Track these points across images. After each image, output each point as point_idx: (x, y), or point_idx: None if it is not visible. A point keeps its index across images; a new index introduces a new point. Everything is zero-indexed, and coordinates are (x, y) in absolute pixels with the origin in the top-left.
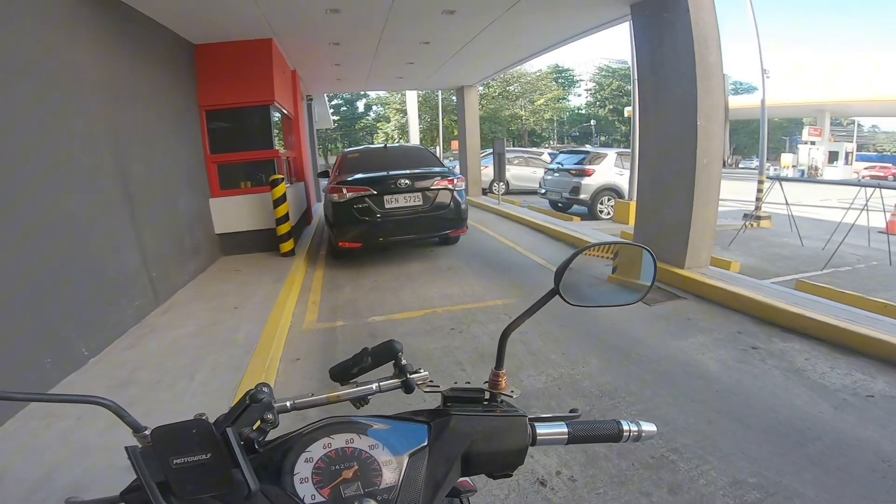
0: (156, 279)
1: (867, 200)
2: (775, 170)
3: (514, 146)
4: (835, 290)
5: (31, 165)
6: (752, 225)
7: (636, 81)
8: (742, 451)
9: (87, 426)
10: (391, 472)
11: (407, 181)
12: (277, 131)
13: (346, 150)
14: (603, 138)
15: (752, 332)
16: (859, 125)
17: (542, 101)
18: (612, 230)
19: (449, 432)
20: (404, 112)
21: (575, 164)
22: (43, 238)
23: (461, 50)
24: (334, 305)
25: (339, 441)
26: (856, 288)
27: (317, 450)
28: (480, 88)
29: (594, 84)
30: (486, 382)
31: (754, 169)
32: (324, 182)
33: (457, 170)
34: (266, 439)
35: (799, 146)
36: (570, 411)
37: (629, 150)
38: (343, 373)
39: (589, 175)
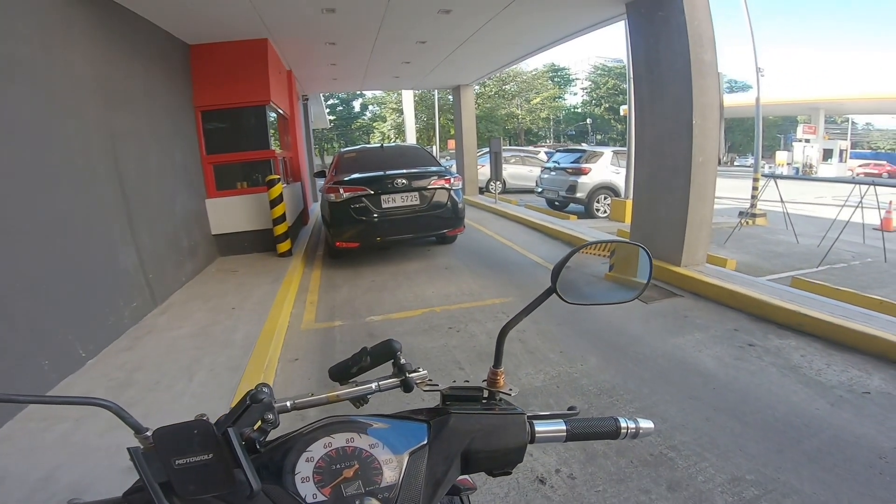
0: (153, 280)
1: (862, 198)
2: (770, 168)
3: (510, 145)
4: (830, 287)
5: (25, 167)
6: (747, 223)
7: (632, 80)
8: (740, 447)
9: (86, 428)
10: (392, 470)
11: (404, 181)
12: (273, 131)
13: (342, 149)
14: (599, 137)
15: (748, 330)
16: (853, 123)
17: (538, 99)
18: (608, 228)
19: (448, 431)
20: (400, 111)
21: (571, 162)
22: (39, 240)
23: (457, 49)
24: (332, 305)
25: (339, 440)
26: (851, 285)
27: (317, 449)
28: (477, 87)
29: (590, 83)
30: (484, 381)
31: (749, 167)
32: (320, 182)
33: (453, 169)
34: (267, 439)
35: (793, 144)
36: (569, 409)
37: (625, 149)
38: (342, 372)
39: (585, 173)
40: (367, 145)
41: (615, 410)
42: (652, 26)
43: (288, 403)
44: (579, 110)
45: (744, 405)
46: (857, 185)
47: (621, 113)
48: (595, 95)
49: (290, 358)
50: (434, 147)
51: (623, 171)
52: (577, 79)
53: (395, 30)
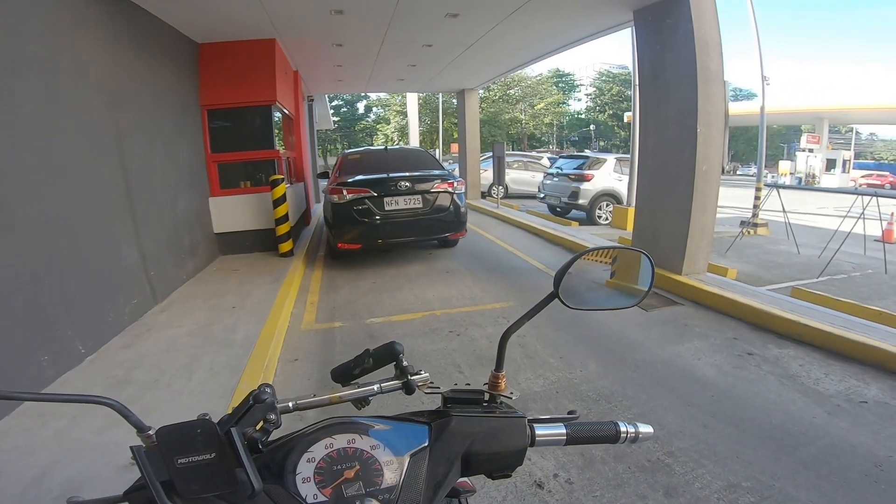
0: (154, 277)
1: (864, 209)
2: (773, 177)
3: (513, 150)
4: (830, 297)
5: (31, 162)
6: (749, 232)
7: (637, 87)
8: (737, 454)
9: (82, 425)
10: (392, 472)
11: (407, 183)
12: (278, 131)
13: (346, 151)
14: (602, 143)
15: (747, 339)
16: (857, 133)
17: (542, 105)
18: (610, 235)
19: (449, 433)
20: (404, 114)
21: (574, 168)
22: (43, 236)
23: (463, 53)
24: (333, 306)
25: (340, 441)
26: (851, 296)
27: (319, 450)
28: (481, 92)
29: (594, 89)
30: (485, 384)
31: (752, 176)
32: (323, 183)
33: (456, 173)
34: (269, 439)
35: (797, 153)
36: (568, 413)
37: (628, 156)
38: (344, 374)
39: (588, 180)
40: (371, 147)
41: (613, 416)
42: (659, 33)
43: (290, 404)
44: (583, 116)
45: (741, 413)
46: (860, 196)
47: (625, 119)
48: (599, 101)
49: (290, 358)
50: (437, 150)
51: (626, 178)
52: (581, 84)
53: (402, 32)
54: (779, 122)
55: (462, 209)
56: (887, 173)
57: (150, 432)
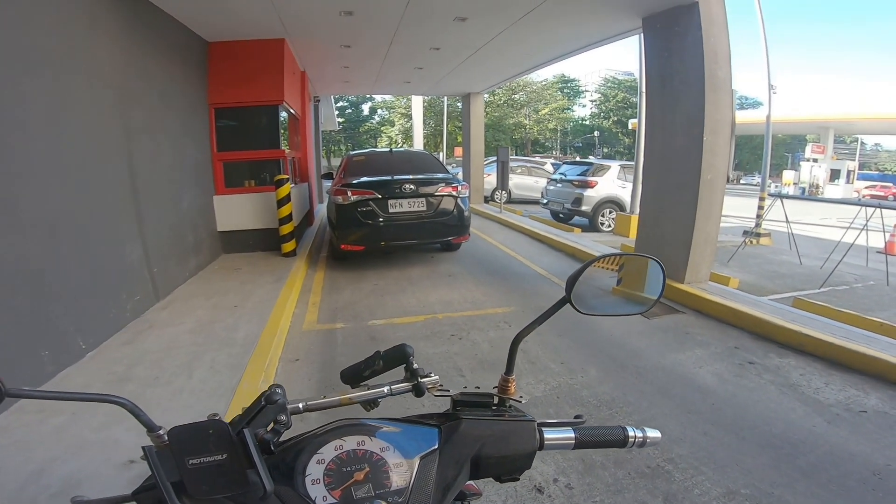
0: (156, 275)
1: (867, 220)
2: (776, 187)
3: (516, 155)
4: (832, 308)
5: (39, 158)
6: (751, 242)
7: (643, 94)
8: (736, 462)
9: (81, 422)
10: (402, 474)
11: (411, 186)
12: (284, 131)
13: (351, 152)
14: (606, 150)
15: (748, 348)
16: (862, 143)
17: (546, 110)
18: (612, 243)
19: (459, 436)
20: (409, 116)
21: (578, 175)
22: (48, 230)
23: (470, 57)
24: (334, 307)
25: (350, 443)
26: (853, 307)
27: (328, 451)
28: (486, 96)
29: (599, 95)
30: (495, 387)
31: (756, 185)
32: (327, 184)
33: (460, 176)
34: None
35: (801, 163)
36: (575, 417)
37: (632, 163)
38: (354, 375)
39: (591, 187)
40: (376, 149)
41: (614, 422)
42: (667, 41)
43: (300, 405)
44: (587, 122)
45: (741, 421)
46: (863, 208)
47: (630, 126)
48: (604, 108)
49: (291, 358)
50: (441, 153)
51: (629, 185)
52: (586, 91)
53: (411, 35)
54: (784, 131)
55: (466, 213)
56: (891, 184)
57: (161, 432)
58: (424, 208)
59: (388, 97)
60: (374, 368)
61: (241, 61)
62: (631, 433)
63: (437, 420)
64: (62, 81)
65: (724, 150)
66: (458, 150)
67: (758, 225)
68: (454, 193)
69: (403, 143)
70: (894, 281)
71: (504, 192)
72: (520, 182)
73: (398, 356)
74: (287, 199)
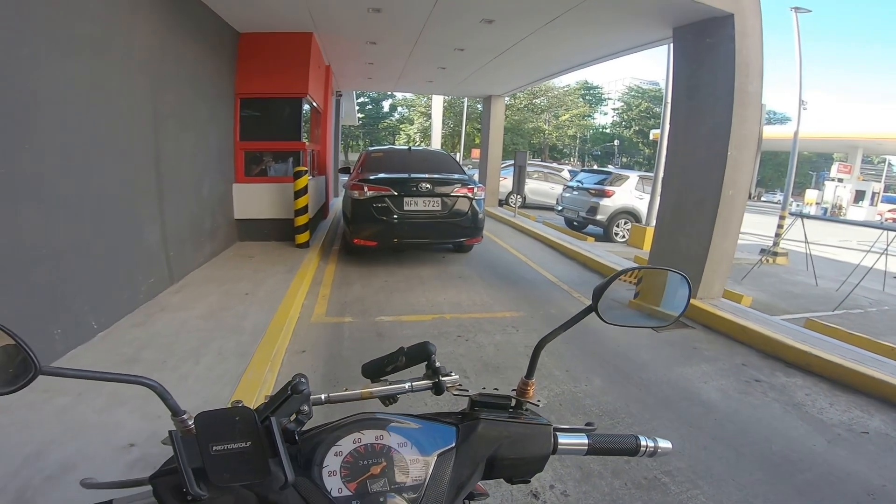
0: (172, 258)
1: (888, 245)
2: (798, 206)
3: (533, 160)
4: (843, 330)
5: (73, 138)
6: (768, 260)
7: (668, 104)
8: (733, 477)
9: (85, 403)
10: (418, 470)
11: (428, 185)
12: (305, 124)
13: (370, 148)
14: (625, 159)
15: (756, 366)
16: (890, 164)
17: (567, 116)
18: (625, 254)
19: (477, 436)
20: (428, 116)
21: (595, 183)
22: (72, 209)
23: (494, 59)
24: (344, 301)
25: (368, 437)
26: (865, 331)
27: (347, 444)
28: (507, 99)
29: (622, 104)
30: (513, 390)
31: (777, 203)
32: (344, 178)
33: (476, 178)
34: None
35: (826, 183)
36: (586, 424)
37: (651, 174)
38: (376, 370)
39: (608, 196)
40: (395, 146)
41: (616, 432)
42: (698, 52)
43: (322, 396)
44: (608, 130)
45: (742, 437)
46: (885, 231)
47: (651, 137)
48: (626, 117)
49: (298, 349)
50: (458, 154)
51: (647, 196)
52: (609, 98)
53: (436, 34)
54: (811, 148)
55: (480, 215)
56: None
57: (185, 416)
58: (439, 208)
59: (408, 95)
60: (397, 364)
61: (269, 53)
62: (643, 442)
63: (455, 419)
64: (101, 66)
65: (748, 166)
66: (476, 152)
67: (776, 244)
68: (469, 195)
69: (421, 141)
70: None
71: (519, 196)
72: (535, 187)
73: (421, 353)
74: (304, 190)
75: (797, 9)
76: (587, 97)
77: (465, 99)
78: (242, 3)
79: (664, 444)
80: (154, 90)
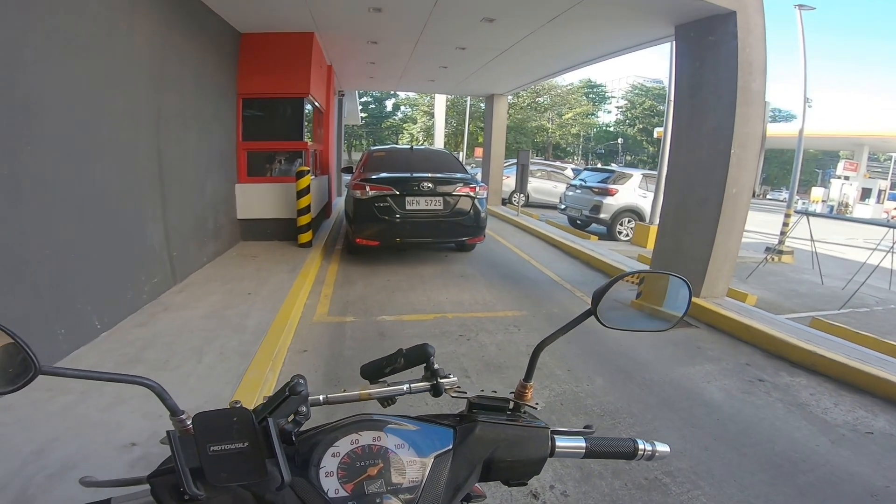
0: (175, 258)
1: (894, 242)
2: (804, 204)
3: (536, 158)
4: (849, 329)
5: (74, 138)
6: (773, 259)
7: (671, 102)
8: (735, 478)
9: (88, 402)
10: (415, 472)
11: (430, 185)
12: (308, 123)
13: (372, 147)
14: (629, 158)
15: (760, 365)
16: None
17: (570, 115)
18: (629, 252)
19: (474, 438)
20: (431, 115)
21: (598, 182)
22: (75, 209)
23: (496, 58)
24: (346, 300)
25: (366, 438)
26: (872, 330)
27: (344, 445)
28: (509, 98)
29: (625, 102)
30: (511, 392)
31: (782, 201)
32: (347, 177)
33: (479, 177)
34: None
35: (832, 180)
36: (585, 427)
37: (655, 173)
38: (374, 371)
39: (612, 194)
40: (397, 146)
41: (617, 433)
42: (700, 50)
43: (321, 397)
44: (611, 129)
45: (745, 437)
46: (891, 229)
47: (655, 135)
48: (630, 115)
49: (300, 349)
50: (461, 153)
51: (650, 195)
52: (612, 97)
53: (437, 33)
54: (816, 146)
55: (482, 214)
56: None
57: (184, 416)
58: (441, 207)
59: (411, 94)
60: (395, 366)
61: (270, 53)
62: (640, 446)
63: (452, 421)
64: (103, 66)
65: (752, 164)
66: (479, 151)
67: (781, 242)
68: (472, 194)
69: (424, 140)
70: None
71: (522, 195)
72: (539, 186)
73: (420, 355)
74: (307, 190)
75: (801, 6)
76: (591, 95)
77: (468, 98)
78: (244, 4)
79: (662, 447)
80: (156, 90)
